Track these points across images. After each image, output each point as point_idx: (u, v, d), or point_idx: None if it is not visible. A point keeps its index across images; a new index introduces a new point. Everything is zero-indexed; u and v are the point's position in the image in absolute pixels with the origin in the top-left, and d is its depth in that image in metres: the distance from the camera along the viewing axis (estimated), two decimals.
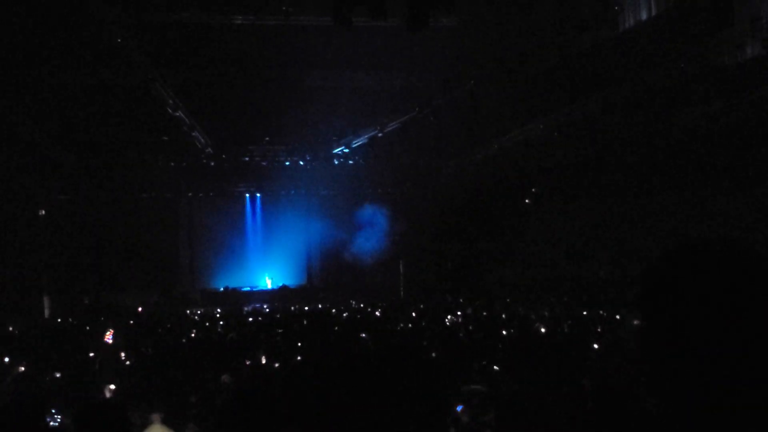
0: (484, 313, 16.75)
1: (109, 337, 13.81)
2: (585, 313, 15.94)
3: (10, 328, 17.40)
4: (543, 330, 13.55)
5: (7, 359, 10.35)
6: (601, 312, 15.47)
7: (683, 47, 15.27)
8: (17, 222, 23.43)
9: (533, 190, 26.59)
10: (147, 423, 5.16)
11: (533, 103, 19.06)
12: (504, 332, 12.21)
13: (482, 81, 18.00)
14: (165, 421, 5.22)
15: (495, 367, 8.39)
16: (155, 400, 5.85)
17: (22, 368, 9.06)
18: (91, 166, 24.63)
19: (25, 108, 18.88)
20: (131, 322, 18.14)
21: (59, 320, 21.26)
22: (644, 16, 15.46)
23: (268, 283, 28.54)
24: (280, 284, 28.01)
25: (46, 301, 24.42)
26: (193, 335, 14.11)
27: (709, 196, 18.12)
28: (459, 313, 17.18)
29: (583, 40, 15.72)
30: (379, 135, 22.86)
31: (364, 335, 11.46)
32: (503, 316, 15.96)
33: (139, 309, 23.80)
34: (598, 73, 16.89)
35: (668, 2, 15.12)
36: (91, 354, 10.87)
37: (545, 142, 21.16)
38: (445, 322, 15.19)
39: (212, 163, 25.74)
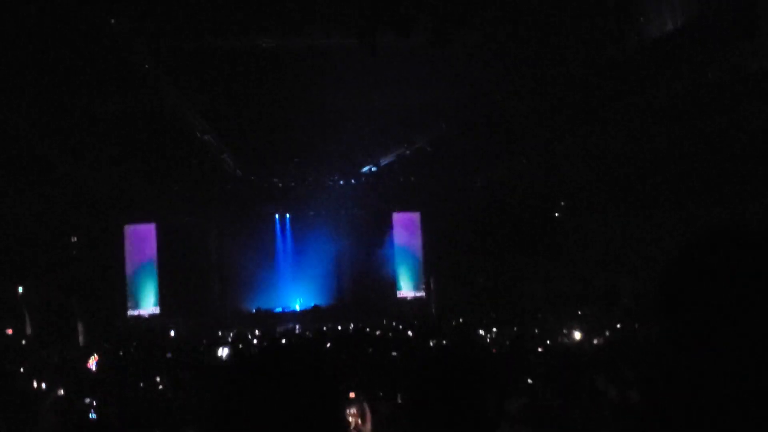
0: (515, 328, 16.68)
1: (92, 364, 13.74)
2: (618, 326, 15.81)
3: (47, 355, 17.56)
4: (576, 339, 13.52)
5: (44, 385, 10.46)
6: (635, 325, 15.32)
7: (709, 56, 15.17)
8: (49, 250, 23.73)
9: (562, 203, 26.51)
10: None
11: (560, 116, 19.00)
12: (538, 347, 12.15)
13: (508, 96, 18.00)
14: None
15: (529, 380, 8.37)
16: (194, 419, 5.89)
17: (61, 392, 9.16)
18: (121, 191, 24.92)
19: (55, 136, 19.13)
20: (168, 355, 18.25)
21: (88, 346, 21.39)
22: (670, 26, 15.39)
23: (297, 307, 28.61)
24: (312, 304, 28.03)
25: (80, 327, 24.63)
26: (225, 357, 14.17)
27: (745, 206, 17.93)
28: (494, 329, 17.12)
29: (608, 52, 15.67)
30: (407, 153, 22.92)
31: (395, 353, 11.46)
32: (535, 330, 15.89)
33: (171, 333, 23.96)
34: (624, 85, 16.82)
35: (693, 12, 15.04)
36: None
37: (573, 155, 21.09)
38: (477, 338, 15.16)
39: (241, 186, 25.95)
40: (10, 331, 22.28)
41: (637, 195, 21.57)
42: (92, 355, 14.95)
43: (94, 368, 13.47)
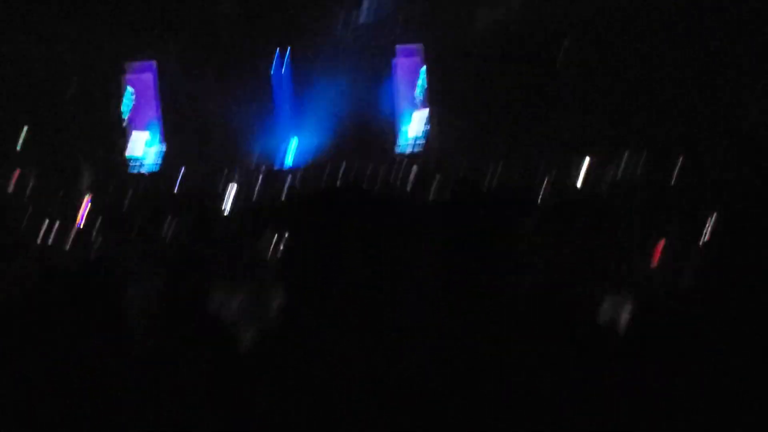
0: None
1: (87, 202, 13.93)
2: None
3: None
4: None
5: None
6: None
7: None
8: (48, 88, 23.54)
9: (566, 43, 25.84)
10: None
11: None
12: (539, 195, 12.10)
13: None
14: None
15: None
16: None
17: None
18: (119, 27, 24.39)
19: None
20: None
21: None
22: None
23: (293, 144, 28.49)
24: (310, 146, 27.92)
25: (82, 168, 24.69)
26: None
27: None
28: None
29: None
30: None
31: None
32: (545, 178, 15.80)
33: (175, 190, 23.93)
34: None
35: None
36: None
37: None
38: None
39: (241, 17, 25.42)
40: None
41: (653, 38, 21.04)
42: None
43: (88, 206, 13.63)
